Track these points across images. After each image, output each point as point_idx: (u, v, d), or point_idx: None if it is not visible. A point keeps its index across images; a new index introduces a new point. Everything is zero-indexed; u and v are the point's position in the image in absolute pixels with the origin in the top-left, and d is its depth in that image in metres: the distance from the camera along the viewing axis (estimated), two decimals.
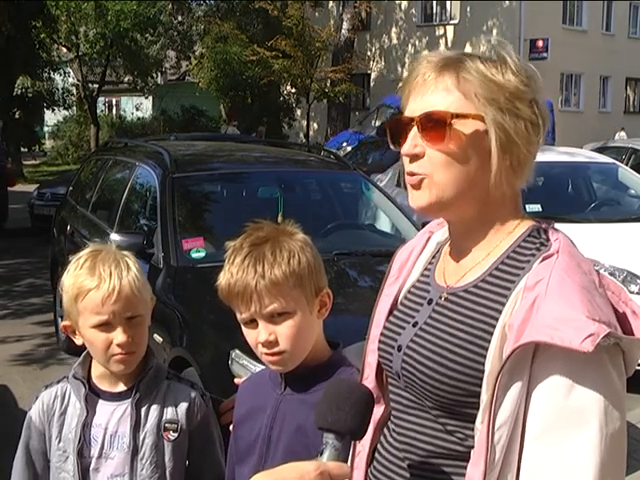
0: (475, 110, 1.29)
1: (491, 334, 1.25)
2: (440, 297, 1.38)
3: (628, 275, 5.85)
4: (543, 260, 1.27)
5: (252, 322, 1.59)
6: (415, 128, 1.31)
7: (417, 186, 1.32)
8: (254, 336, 1.60)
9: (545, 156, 7.59)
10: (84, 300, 1.74)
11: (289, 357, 1.60)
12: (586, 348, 1.13)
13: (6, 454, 2.16)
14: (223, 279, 1.60)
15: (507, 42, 1.35)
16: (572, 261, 1.26)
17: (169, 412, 1.85)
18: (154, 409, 1.85)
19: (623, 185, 8.18)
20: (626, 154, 10.65)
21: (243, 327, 1.63)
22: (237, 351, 3.37)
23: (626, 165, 9.26)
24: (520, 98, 1.29)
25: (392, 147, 1.38)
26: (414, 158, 1.32)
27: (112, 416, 1.84)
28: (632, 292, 5.75)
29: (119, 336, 1.75)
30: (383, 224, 5.58)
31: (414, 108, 1.32)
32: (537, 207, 6.61)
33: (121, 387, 1.85)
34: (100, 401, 1.85)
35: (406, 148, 1.32)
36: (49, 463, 1.88)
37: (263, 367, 1.78)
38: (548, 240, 1.31)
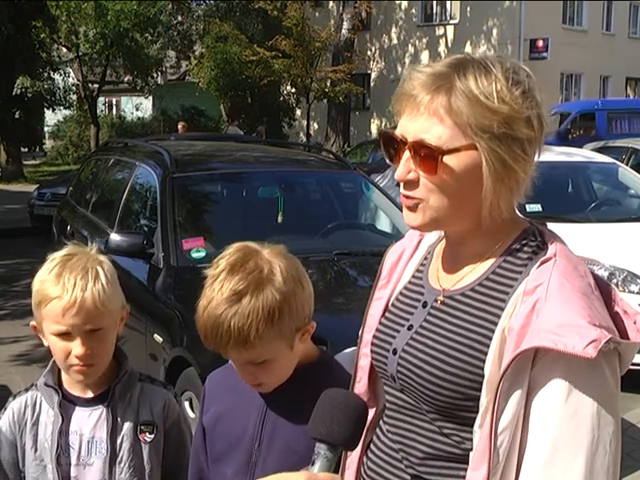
0: (467, 140, 1.25)
1: (490, 338, 1.25)
2: (436, 300, 1.37)
3: (628, 275, 5.85)
4: (541, 264, 1.26)
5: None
6: (408, 152, 1.29)
7: (412, 208, 1.32)
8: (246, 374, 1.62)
9: (545, 156, 7.55)
10: (46, 308, 1.72)
11: (270, 386, 1.61)
12: (589, 354, 1.13)
13: None
14: (204, 312, 1.59)
15: (505, 56, 1.31)
16: (569, 264, 1.26)
17: (144, 414, 1.85)
18: (129, 412, 1.83)
19: (623, 185, 8.17)
20: (626, 154, 10.63)
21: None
22: None
23: (626, 165, 9.24)
24: (516, 119, 1.25)
25: (387, 160, 1.36)
26: (408, 183, 1.31)
27: (87, 422, 1.82)
28: (632, 292, 5.75)
29: (77, 348, 1.72)
30: (383, 224, 5.57)
31: (407, 128, 1.29)
32: (537, 207, 6.60)
33: (93, 392, 1.83)
34: (73, 407, 1.83)
35: (399, 173, 1.31)
36: (21, 474, 1.84)
37: None
38: (544, 243, 1.31)
